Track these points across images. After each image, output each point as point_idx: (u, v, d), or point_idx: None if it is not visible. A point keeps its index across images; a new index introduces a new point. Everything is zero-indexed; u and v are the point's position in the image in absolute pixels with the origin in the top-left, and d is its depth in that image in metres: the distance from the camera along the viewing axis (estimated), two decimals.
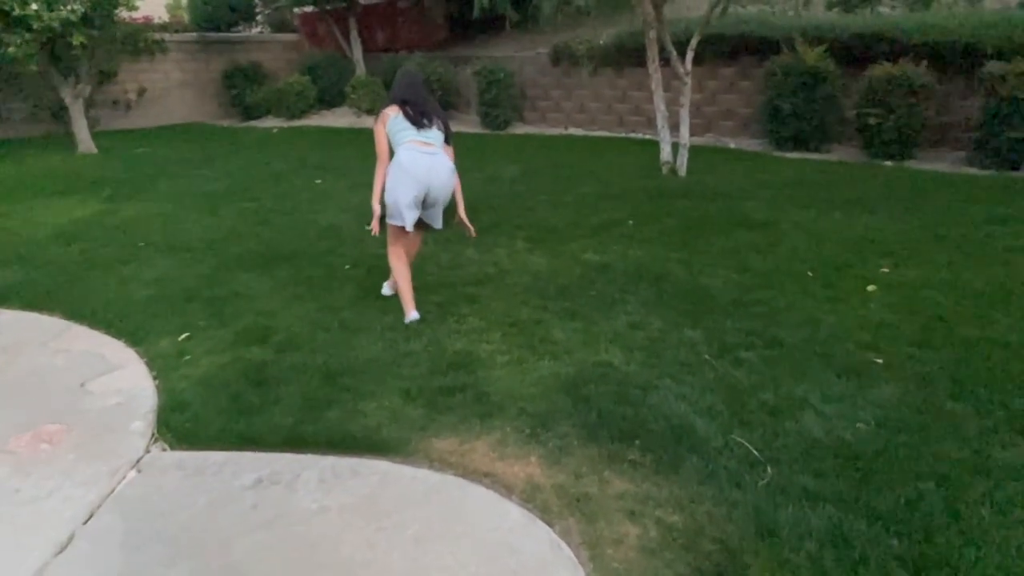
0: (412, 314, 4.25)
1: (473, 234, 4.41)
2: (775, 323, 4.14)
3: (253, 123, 13.49)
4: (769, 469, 2.81)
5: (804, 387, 3.43)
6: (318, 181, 8.23)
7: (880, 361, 3.67)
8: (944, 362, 3.63)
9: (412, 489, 2.79)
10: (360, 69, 13.73)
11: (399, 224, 4.11)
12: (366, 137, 11.60)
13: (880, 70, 8.21)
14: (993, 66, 7.59)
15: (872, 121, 8.29)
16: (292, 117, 13.36)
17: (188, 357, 3.91)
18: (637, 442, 3.02)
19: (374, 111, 13.17)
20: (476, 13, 7.49)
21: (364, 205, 6.97)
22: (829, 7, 10.58)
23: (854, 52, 8.86)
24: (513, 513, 2.64)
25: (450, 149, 4.31)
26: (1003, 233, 5.50)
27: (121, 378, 3.79)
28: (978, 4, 9.63)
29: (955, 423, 3.10)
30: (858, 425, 3.10)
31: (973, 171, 7.87)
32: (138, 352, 4.06)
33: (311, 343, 3.99)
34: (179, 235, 6.21)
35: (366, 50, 13.96)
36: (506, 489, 2.77)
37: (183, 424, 3.29)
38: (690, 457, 2.90)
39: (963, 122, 8.36)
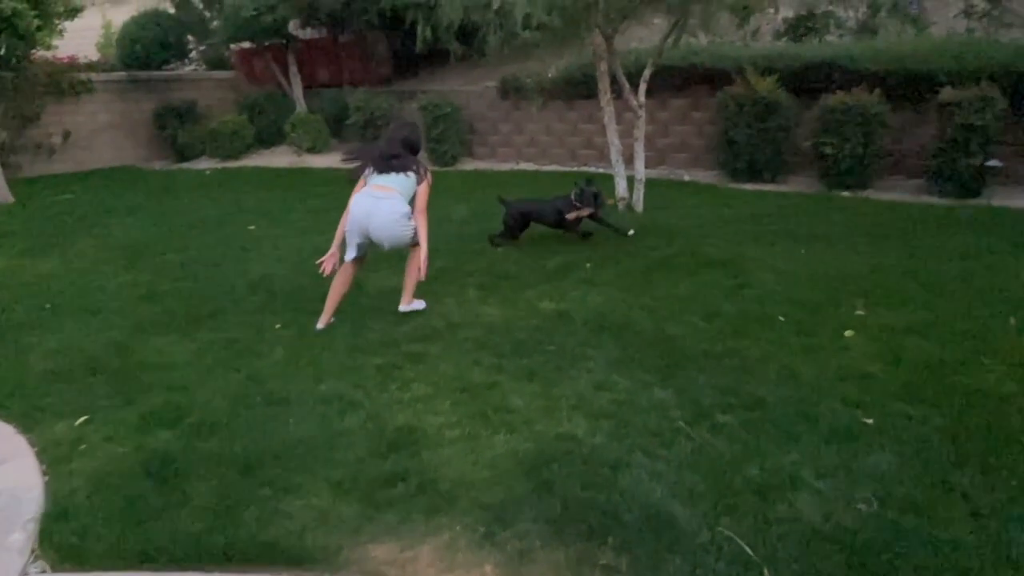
0: (321, 324, 4.66)
1: (422, 276, 4.67)
2: (752, 378, 3.77)
3: (186, 165, 12.84)
4: (765, 572, 2.39)
5: (792, 457, 3.04)
6: (251, 227, 7.68)
7: (870, 422, 3.31)
8: (939, 421, 3.28)
9: None
10: (300, 106, 13.23)
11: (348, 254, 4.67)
12: (306, 177, 11.23)
13: (833, 99, 8.07)
14: (947, 93, 7.49)
15: (828, 151, 8.13)
16: (228, 157, 12.75)
17: (84, 446, 3.35)
18: (610, 539, 2.58)
19: (315, 149, 12.69)
20: (419, 47, 7.16)
21: (301, 253, 6.49)
22: (777, 37, 10.51)
23: (806, 81, 8.73)
24: None
25: (423, 188, 4.64)
26: (977, 268, 5.26)
27: (5, 475, 3.23)
28: (925, 31, 9.63)
29: (965, 498, 2.74)
30: (859, 506, 2.71)
31: (932, 199, 7.73)
32: (30, 440, 3.49)
33: (230, 424, 3.46)
34: (92, 294, 5.60)
35: (307, 86, 13.49)
36: None
37: (69, 537, 2.74)
38: (672, 559, 2.47)
39: (919, 150, 8.25)
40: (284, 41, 12.95)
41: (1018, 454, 2.99)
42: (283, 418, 3.49)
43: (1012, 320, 4.33)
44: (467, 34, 8.11)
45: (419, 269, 4.65)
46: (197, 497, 2.90)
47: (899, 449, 3.07)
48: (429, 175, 4.76)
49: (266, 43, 12.97)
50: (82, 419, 3.59)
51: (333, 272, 4.70)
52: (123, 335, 4.67)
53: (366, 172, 4.65)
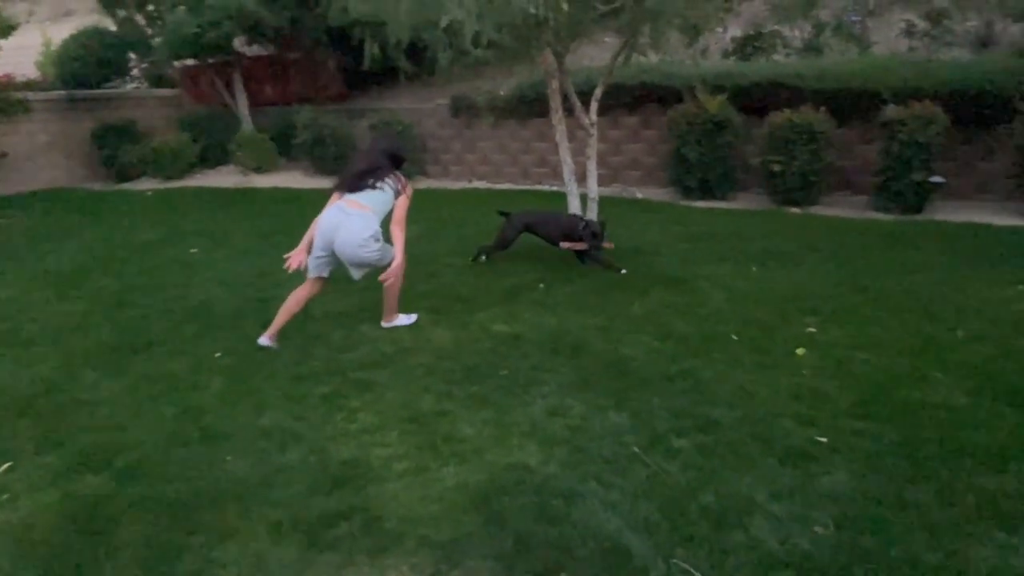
0: (264, 340, 4.60)
1: (387, 283, 4.62)
2: (705, 399, 3.72)
3: (127, 186, 12.39)
4: None
5: (747, 481, 2.99)
6: (193, 250, 7.42)
7: (824, 440, 3.28)
8: (892, 437, 3.28)
9: None
10: (246, 124, 12.93)
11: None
12: (252, 198, 10.97)
13: (781, 117, 8.16)
14: (891, 110, 7.64)
15: (776, 168, 8.21)
16: (170, 178, 12.35)
17: (7, 496, 3.12)
18: (563, 575, 2.48)
19: (262, 169, 12.43)
20: (366, 64, 7.02)
21: (244, 277, 6.29)
22: (726, 56, 10.65)
23: (754, 100, 8.83)
24: None
25: (401, 200, 4.57)
26: (923, 283, 5.32)
27: None
28: (868, 51, 9.84)
29: (921, 516, 2.71)
30: (815, 529, 2.67)
31: (878, 215, 7.86)
32: None
33: (164, 464, 3.27)
34: (21, 326, 5.30)
35: (254, 104, 13.20)
36: None
37: None
38: None
39: (864, 166, 8.40)
40: (229, 58, 12.69)
41: (972, 468, 2.99)
42: (220, 455, 3.32)
43: (959, 333, 4.38)
44: (417, 52, 8.00)
45: (391, 276, 4.57)
46: (126, 547, 2.71)
47: (854, 468, 3.05)
48: (409, 188, 4.66)
49: (210, 60, 12.67)
50: (5, 466, 3.35)
51: (297, 274, 4.57)
52: (53, 370, 4.41)
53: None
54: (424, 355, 4.44)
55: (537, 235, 6.37)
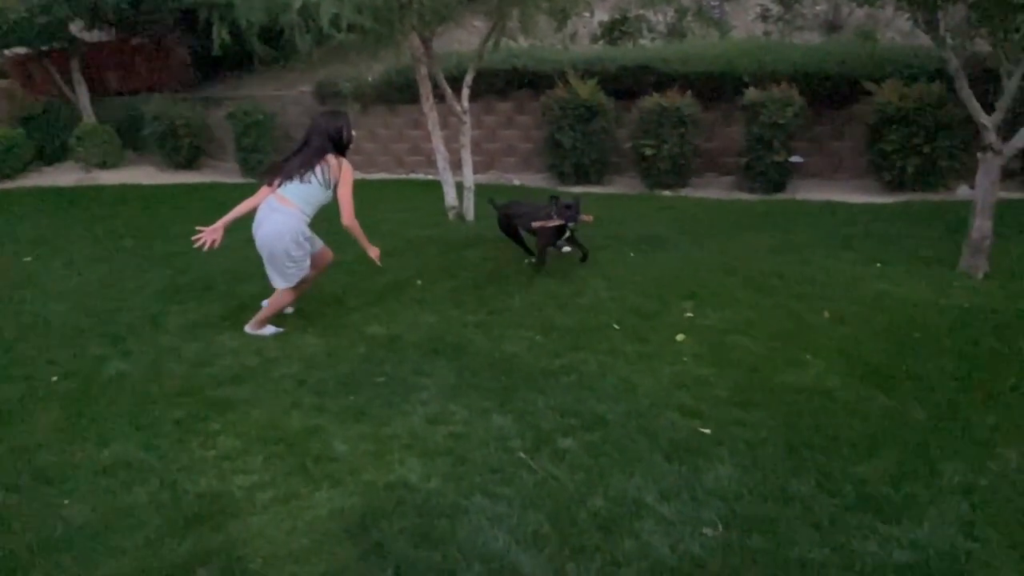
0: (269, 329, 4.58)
1: (377, 262, 4.68)
2: (591, 394, 3.64)
3: None
4: None
5: (636, 481, 2.91)
6: (27, 259, 6.67)
7: (707, 431, 3.27)
8: (772, 424, 3.31)
9: None
10: (87, 116, 11.85)
11: None
12: (96, 197, 10.05)
13: (650, 101, 8.28)
14: (751, 94, 7.88)
15: (647, 152, 8.33)
16: (4, 177, 11.11)
17: None
18: None
19: (107, 164, 11.45)
20: (215, 50, 6.51)
21: (87, 287, 5.69)
22: (594, 41, 10.70)
23: (624, 84, 8.92)
24: None
25: (342, 194, 4.37)
26: (789, 263, 5.49)
27: None
28: (728, 35, 10.16)
29: (805, 509, 2.72)
30: (705, 531, 2.61)
31: (743, 196, 8.12)
32: None
33: None
34: None
35: (96, 94, 12.13)
36: None
37: None
38: None
39: (729, 148, 8.65)
40: (65, 45, 11.56)
41: (849, 456, 3.04)
42: (56, 500, 2.90)
43: (826, 314, 4.51)
44: (274, 36, 7.51)
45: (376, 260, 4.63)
46: None
47: (737, 460, 3.04)
48: (348, 173, 4.41)
49: (44, 48, 11.51)
50: None
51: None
52: None
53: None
54: (292, 365, 4.12)
55: (519, 227, 5.84)
